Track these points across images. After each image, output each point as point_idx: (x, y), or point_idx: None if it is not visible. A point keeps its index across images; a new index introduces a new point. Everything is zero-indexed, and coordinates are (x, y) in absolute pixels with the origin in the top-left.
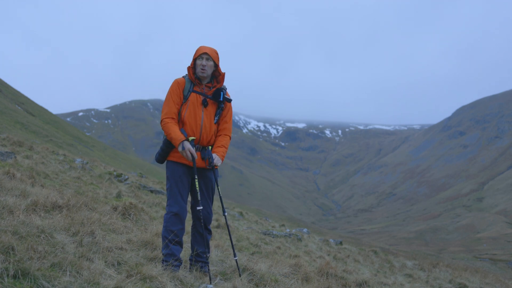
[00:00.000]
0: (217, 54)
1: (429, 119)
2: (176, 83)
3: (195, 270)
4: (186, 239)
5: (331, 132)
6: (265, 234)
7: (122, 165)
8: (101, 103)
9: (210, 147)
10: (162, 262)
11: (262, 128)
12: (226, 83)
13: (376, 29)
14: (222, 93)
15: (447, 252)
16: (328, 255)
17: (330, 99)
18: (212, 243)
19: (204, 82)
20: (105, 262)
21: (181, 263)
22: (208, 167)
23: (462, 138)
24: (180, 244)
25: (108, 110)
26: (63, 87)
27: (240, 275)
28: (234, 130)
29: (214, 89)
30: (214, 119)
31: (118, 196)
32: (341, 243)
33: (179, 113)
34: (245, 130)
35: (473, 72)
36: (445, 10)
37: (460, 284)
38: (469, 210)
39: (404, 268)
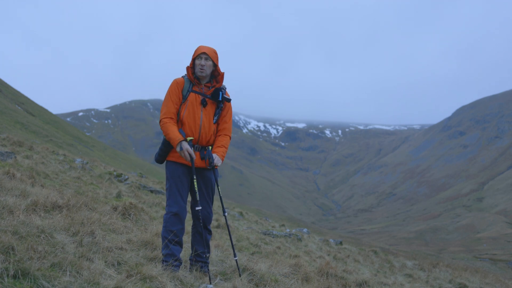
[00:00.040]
0: (216, 53)
1: (429, 119)
2: (175, 83)
3: (195, 270)
4: (186, 239)
5: (331, 132)
6: (265, 234)
7: (122, 165)
8: (101, 103)
9: (210, 147)
10: (162, 262)
11: (262, 128)
12: (226, 83)
13: (376, 29)
14: (221, 92)
15: (447, 252)
16: (328, 255)
17: (330, 99)
18: (212, 243)
19: (203, 82)
20: (105, 262)
21: (181, 263)
22: (208, 167)
23: (462, 138)
24: (180, 244)
25: (108, 110)
26: (63, 87)
27: (240, 275)
28: (234, 130)
29: (213, 88)
30: (213, 119)
31: (118, 196)
32: (341, 243)
33: (178, 113)
34: (245, 130)
35: (473, 72)
36: (445, 10)
37: (460, 284)
38: (469, 210)
39: (404, 268)
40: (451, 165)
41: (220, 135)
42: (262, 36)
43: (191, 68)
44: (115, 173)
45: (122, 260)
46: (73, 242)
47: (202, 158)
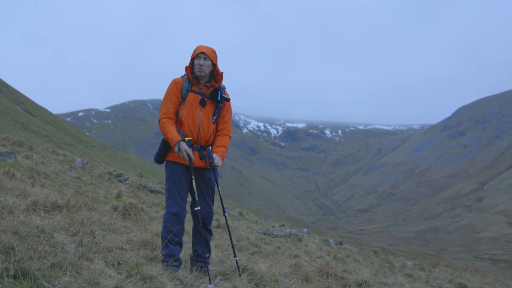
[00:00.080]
0: (215, 53)
1: (429, 119)
2: (174, 83)
3: (195, 270)
4: (186, 239)
5: (331, 132)
6: (265, 234)
7: (122, 165)
8: (101, 103)
9: (210, 147)
10: (162, 262)
11: (262, 128)
12: (227, 82)
13: (376, 29)
14: (220, 92)
15: (447, 252)
16: (328, 255)
17: (330, 99)
18: (212, 243)
19: (202, 81)
20: (105, 262)
21: (181, 263)
22: (208, 167)
23: (462, 138)
24: (179, 244)
25: (108, 110)
26: (63, 87)
27: (240, 275)
28: (234, 130)
29: (212, 88)
30: (213, 119)
31: (118, 196)
32: (341, 243)
33: (177, 113)
34: (245, 130)
35: (473, 72)
36: (445, 10)
37: (460, 284)
38: (469, 210)
39: (404, 268)
40: (451, 165)
41: (220, 135)
42: (262, 36)
43: (190, 68)
44: (115, 173)
45: (122, 260)
46: (73, 242)
47: (202, 158)
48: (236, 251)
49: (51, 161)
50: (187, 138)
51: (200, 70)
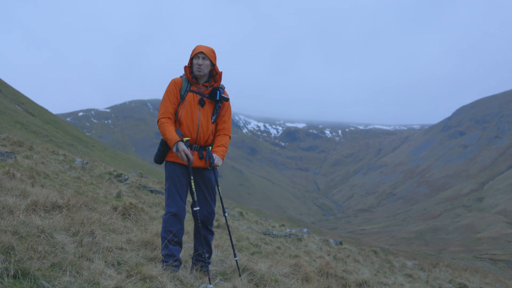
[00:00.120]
0: (213, 53)
1: (429, 119)
2: (173, 82)
3: (195, 270)
4: (186, 239)
5: (331, 132)
6: (265, 234)
7: (122, 165)
8: (101, 103)
9: (210, 147)
10: (162, 263)
11: (262, 128)
12: (227, 82)
13: (376, 29)
14: (218, 92)
15: (447, 252)
16: (328, 255)
17: (330, 99)
18: (212, 243)
19: (201, 81)
20: (105, 262)
21: (181, 263)
22: (209, 167)
23: (462, 138)
24: (179, 244)
25: (108, 110)
26: (63, 87)
27: (240, 275)
28: (234, 130)
29: (211, 88)
30: (212, 119)
31: (118, 196)
32: (341, 243)
33: (176, 113)
34: (245, 130)
35: (473, 72)
36: (445, 10)
37: (460, 284)
38: (469, 210)
39: (404, 268)
40: (451, 165)
41: (219, 134)
42: (262, 36)
43: (189, 67)
44: (115, 173)
45: (122, 260)
46: (73, 242)
47: (201, 158)
48: (236, 251)
49: (51, 161)
50: (185, 138)
51: (199, 69)
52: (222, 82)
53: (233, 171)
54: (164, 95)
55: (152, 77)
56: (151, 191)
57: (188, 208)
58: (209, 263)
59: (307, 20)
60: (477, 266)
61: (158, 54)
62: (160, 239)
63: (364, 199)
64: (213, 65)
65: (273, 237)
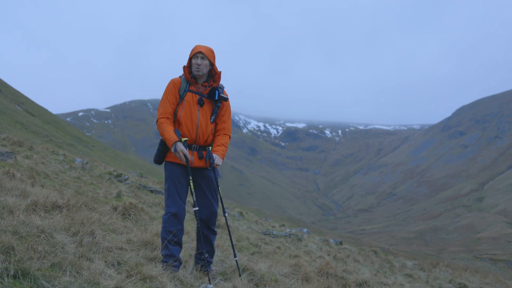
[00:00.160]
0: (212, 52)
1: (429, 119)
2: (172, 83)
3: (195, 270)
4: (186, 239)
5: (331, 132)
6: (265, 234)
7: (122, 165)
8: (101, 103)
9: (210, 147)
10: (162, 263)
11: (262, 128)
12: (227, 82)
13: (376, 29)
14: (217, 92)
15: (447, 252)
16: (328, 255)
17: (330, 99)
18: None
19: (200, 81)
20: (105, 262)
21: (181, 263)
22: (209, 168)
23: (462, 138)
24: (179, 244)
25: (108, 110)
26: (63, 87)
27: (240, 275)
28: (234, 130)
29: (210, 88)
30: (211, 119)
31: (118, 196)
32: (341, 243)
33: (175, 113)
34: (245, 130)
35: (473, 72)
36: (445, 10)
37: (460, 284)
38: (469, 210)
39: (404, 268)
40: (451, 165)
41: (219, 134)
42: (262, 36)
43: (188, 67)
44: (115, 173)
45: (122, 260)
46: (73, 242)
47: (201, 158)
48: (236, 251)
49: (51, 161)
50: (183, 139)
51: (198, 69)
52: (222, 82)
53: (233, 171)
54: (163, 95)
55: (152, 77)
56: (151, 191)
57: (190, 208)
58: (210, 262)
59: (307, 20)
60: (477, 266)
61: (158, 54)
62: (160, 239)
63: (364, 199)
64: (212, 64)
65: (273, 237)
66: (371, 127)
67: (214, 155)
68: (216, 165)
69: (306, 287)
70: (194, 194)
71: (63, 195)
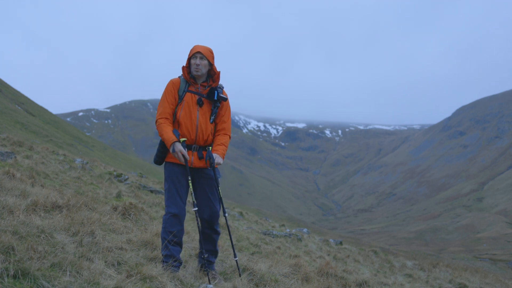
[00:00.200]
0: (211, 52)
1: (429, 119)
2: (171, 83)
3: (196, 270)
4: (186, 239)
5: (331, 132)
6: (265, 234)
7: (122, 165)
8: (101, 103)
9: (210, 147)
10: (162, 263)
11: (262, 128)
12: (226, 82)
13: (376, 29)
14: (216, 92)
15: (447, 252)
16: (328, 255)
17: (330, 99)
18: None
19: (199, 81)
20: (105, 262)
21: (181, 263)
22: (209, 168)
23: (462, 138)
24: (179, 244)
25: (108, 110)
26: (63, 87)
27: (240, 275)
28: (234, 130)
29: (209, 88)
30: (210, 119)
31: (118, 196)
32: (341, 243)
33: (175, 114)
34: (245, 130)
35: (473, 72)
36: (445, 10)
37: (460, 284)
38: (469, 210)
39: (404, 268)
40: (451, 165)
41: (219, 134)
42: (262, 36)
43: (187, 67)
44: (115, 173)
45: (122, 260)
46: (73, 242)
47: (201, 158)
48: (236, 251)
49: (51, 161)
50: (182, 139)
51: (197, 69)
52: (222, 82)
53: (233, 171)
54: (162, 96)
55: (152, 77)
56: (151, 191)
57: (190, 208)
58: (212, 262)
59: (307, 20)
60: (477, 266)
61: (158, 54)
62: (160, 239)
63: (364, 199)
64: (211, 64)
65: (273, 237)
66: (371, 127)
67: (214, 155)
68: (217, 164)
69: (306, 287)
70: (194, 194)
71: (63, 195)
